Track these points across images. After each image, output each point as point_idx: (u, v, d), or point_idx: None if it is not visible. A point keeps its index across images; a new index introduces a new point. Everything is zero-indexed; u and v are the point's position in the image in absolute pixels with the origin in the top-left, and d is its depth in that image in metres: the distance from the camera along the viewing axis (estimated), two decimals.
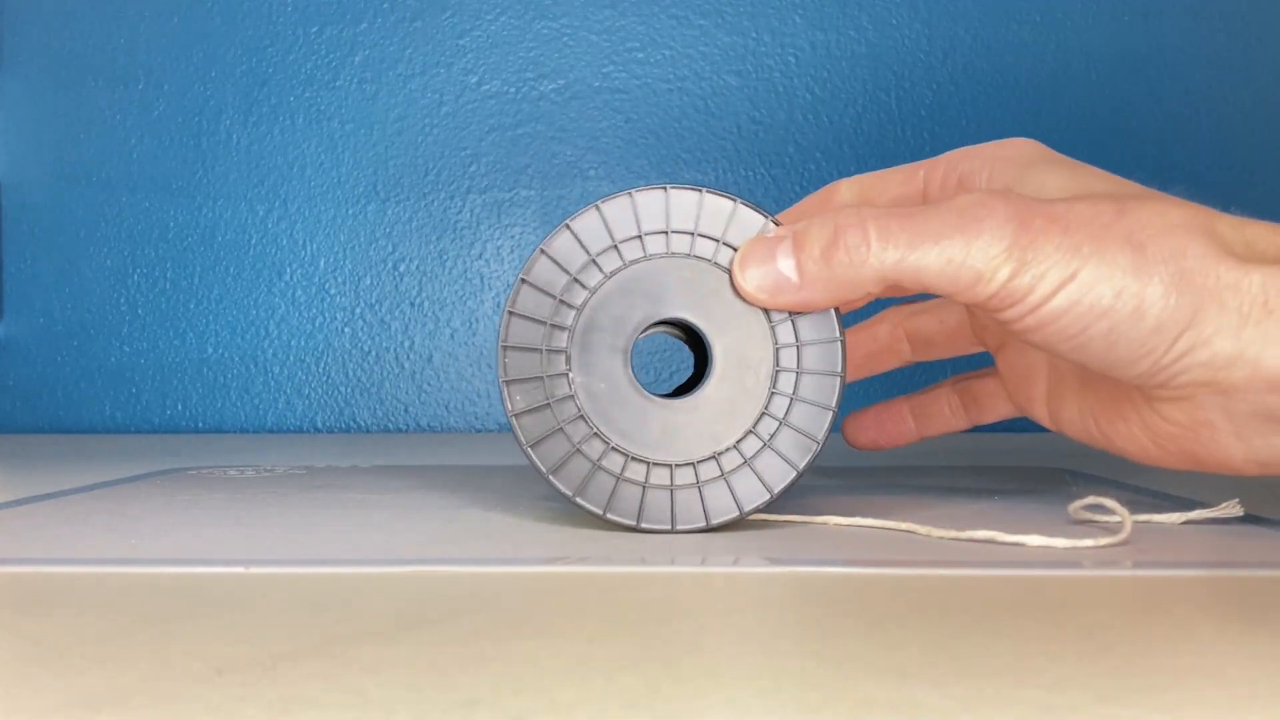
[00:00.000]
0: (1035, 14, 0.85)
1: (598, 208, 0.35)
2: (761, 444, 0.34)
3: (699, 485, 0.34)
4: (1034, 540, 0.32)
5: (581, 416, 0.34)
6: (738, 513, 0.34)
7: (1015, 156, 0.35)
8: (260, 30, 0.84)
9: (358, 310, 0.84)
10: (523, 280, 0.35)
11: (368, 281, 0.84)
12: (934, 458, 0.60)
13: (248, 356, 0.84)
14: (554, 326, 0.35)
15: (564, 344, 0.35)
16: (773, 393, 0.34)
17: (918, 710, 0.18)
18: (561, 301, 0.35)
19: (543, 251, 0.35)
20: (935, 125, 0.85)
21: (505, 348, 0.35)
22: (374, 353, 0.84)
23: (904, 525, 0.35)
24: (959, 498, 0.43)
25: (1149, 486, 0.46)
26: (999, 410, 0.41)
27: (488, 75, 0.85)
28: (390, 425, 0.84)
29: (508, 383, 0.35)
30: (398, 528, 0.36)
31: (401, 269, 0.84)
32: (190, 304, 0.84)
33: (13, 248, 0.84)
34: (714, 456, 0.34)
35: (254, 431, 0.84)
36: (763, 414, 0.34)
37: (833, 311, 0.34)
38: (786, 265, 0.33)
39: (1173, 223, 0.30)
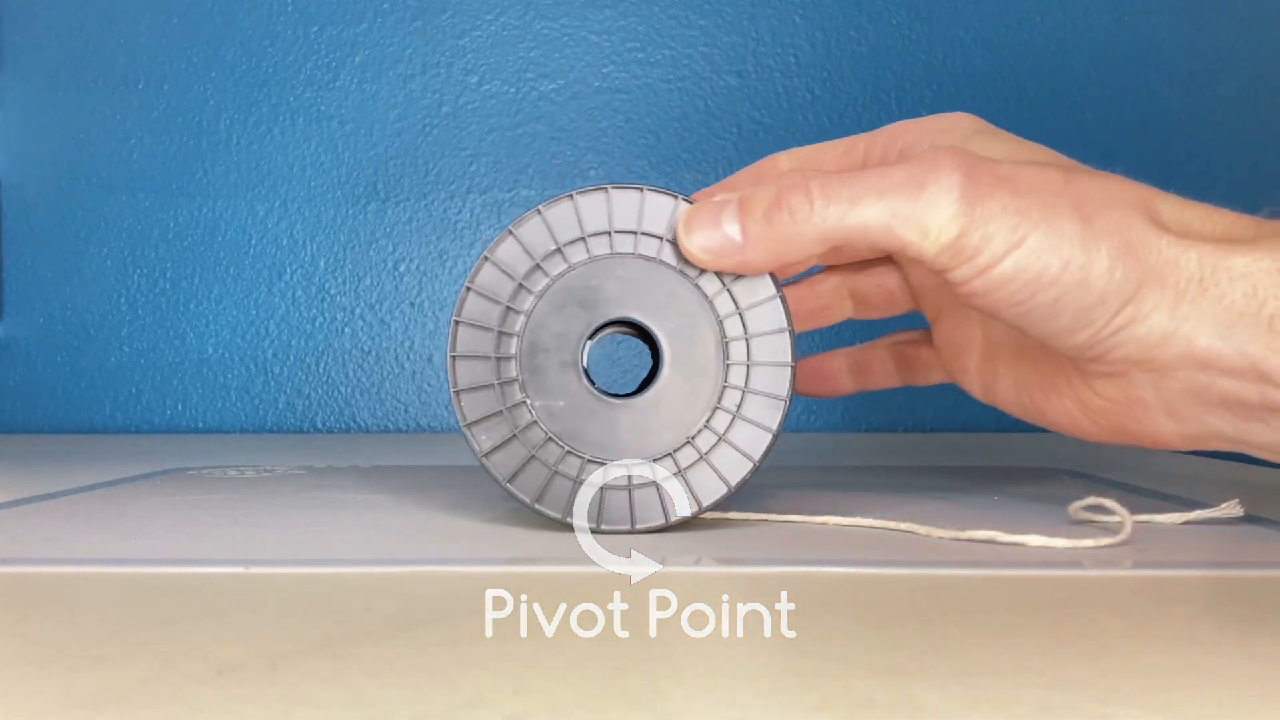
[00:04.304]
0: (1035, 14, 0.84)
1: (511, 232, 0.34)
2: (731, 416, 0.34)
3: (682, 473, 0.34)
4: (1034, 540, 0.32)
5: (550, 439, 0.34)
6: (726, 489, 0.34)
7: (956, 128, 0.36)
8: (260, 30, 0.84)
9: (358, 310, 0.84)
10: (457, 321, 0.34)
11: (368, 281, 0.84)
12: (934, 458, 0.60)
13: (248, 356, 0.84)
14: (500, 359, 0.34)
15: (514, 373, 0.34)
16: (728, 364, 0.34)
17: (918, 710, 0.18)
18: (501, 332, 0.34)
19: (469, 289, 0.34)
20: None
21: (458, 392, 0.34)
22: (374, 353, 0.84)
23: (904, 525, 0.35)
24: (959, 498, 0.43)
25: (1149, 487, 0.46)
26: (931, 377, 0.42)
27: (488, 75, 0.85)
28: (390, 425, 0.84)
29: (469, 425, 0.34)
30: (398, 528, 0.36)
31: (401, 269, 0.84)
32: (190, 304, 0.84)
33: (13, 248, 0.84)
34: (688, 442, 0.34)
35: (254, 431, 0.84)
36: (724, 387, 0.34)
37: (767, 275, 0.34)
38: (731, 228, 0.33)
39: (1118, 197, 0.30)
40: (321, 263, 0.84)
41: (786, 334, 0.34)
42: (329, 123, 0.84)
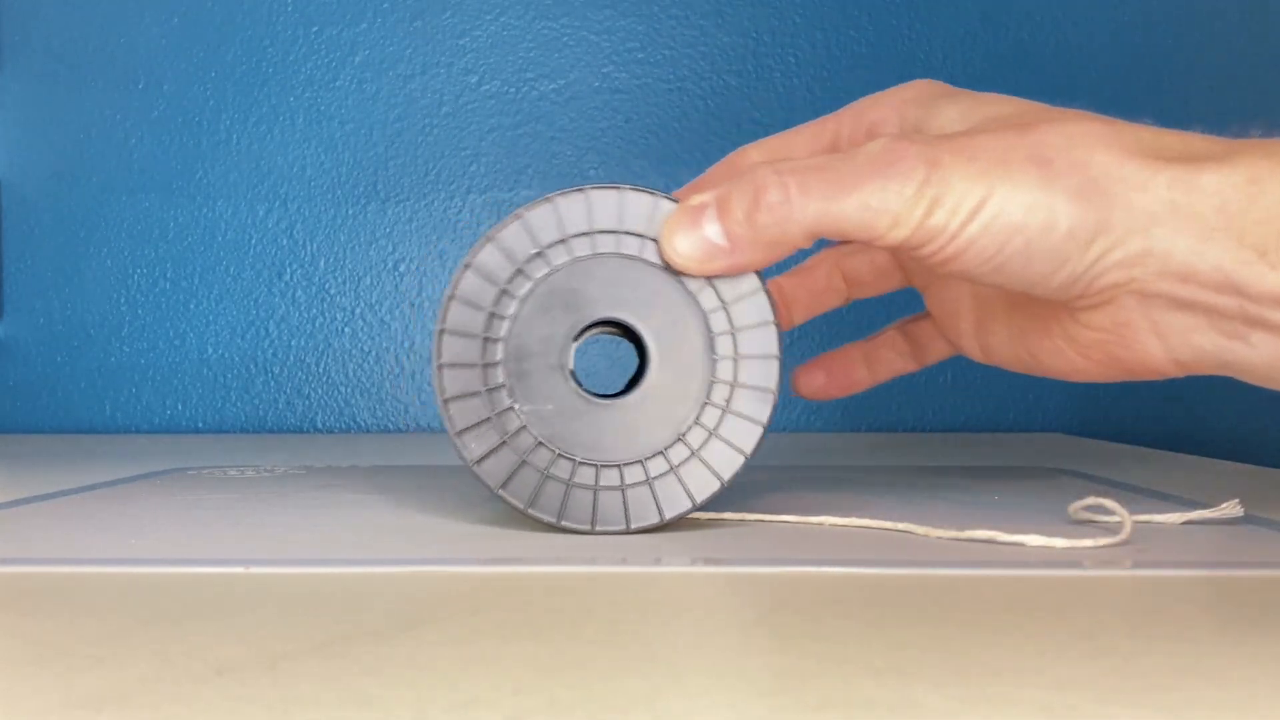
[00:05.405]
0: (1035, 14, 0.85)
1: (491, 239, 0.34)
2: (721, 410, 0.34)
3: (675, 470, 0.34)
4: (1034, 540, 0.32)
5: (540, 443, 0.34)
6: (720, 484, 0.34)
7: (918, 96, 0.36)
8: (260, 30, 0.84)
9: (358, 310, 0.84)
10: (442, 331, 0.34)
11: (368, 281, 0.84)
12: (934, 458, 0.60)
13: (248, 356, 0.84)
14: (487, 366, 0.34)
15: (501, 379, 0.34)
16: (715, 359, 0.34)
17: (918, 710, 0.18)
18: (486, 339, 0.34)
19: (452, 297, 0.34)
20: None
21: (446, 401, 0.34)
22: (374, 353, 0.84)
23: (903, 525, 0.35)
24: (959, 498, 0.43)
25: (1149, 487, 0.46)
26: (938, 350, 0.42)
27: (488, 75, 0.85)
28: (390, 425, 0.84)
29: (459, 434, 0.34)
30: (398, 528, 0.36)
31: (401, 269, 0.84)
32: (190, 304, 0.84)
33: (13, 248, 0.84)
34: (679, 439, 0.34)
35: (254, 431, 0.84)
36: (712, 382, 0.34)
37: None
38: (713, 232, 0.33)
39: (1079, 135, 0.31)
40: (321, 263, 0.84)
41: (773, 326, 0.34)
42: (329, 123, 0.84)
